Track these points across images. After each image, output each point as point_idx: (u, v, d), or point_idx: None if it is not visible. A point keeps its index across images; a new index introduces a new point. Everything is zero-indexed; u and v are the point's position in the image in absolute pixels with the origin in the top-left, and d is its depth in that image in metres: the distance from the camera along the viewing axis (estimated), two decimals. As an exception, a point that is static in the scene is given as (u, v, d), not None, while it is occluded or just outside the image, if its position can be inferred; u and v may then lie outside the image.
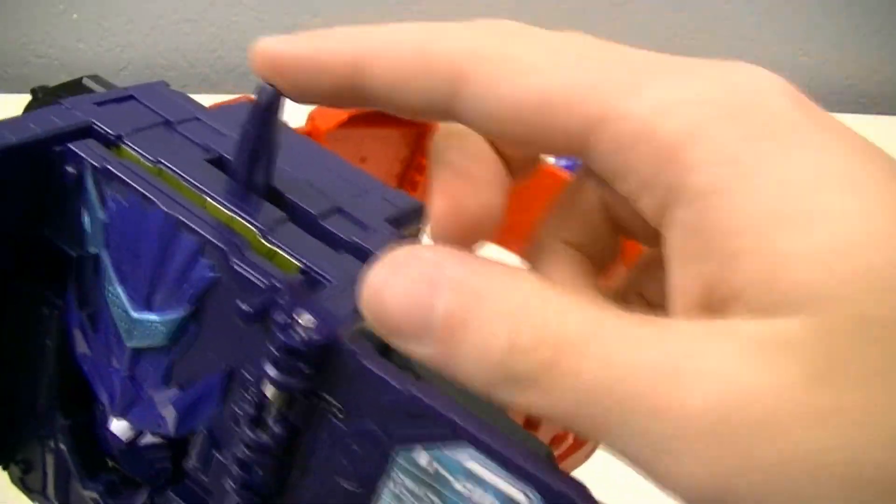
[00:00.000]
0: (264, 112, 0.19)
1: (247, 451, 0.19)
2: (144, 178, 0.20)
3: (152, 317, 0.20)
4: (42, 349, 0.23)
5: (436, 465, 0.17)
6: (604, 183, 0.17)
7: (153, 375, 0.21)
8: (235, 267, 0.18)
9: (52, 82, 0.30)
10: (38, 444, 0.24)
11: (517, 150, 0.20)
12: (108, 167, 0.20)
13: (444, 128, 0.20)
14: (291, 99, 0.19)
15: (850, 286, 0.13)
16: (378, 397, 0.17)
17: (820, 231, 0.14)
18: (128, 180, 0.20)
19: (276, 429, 0.18)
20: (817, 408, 0.12)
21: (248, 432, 0.18)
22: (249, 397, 0.18)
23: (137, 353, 0.21)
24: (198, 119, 0.23)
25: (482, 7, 0.84)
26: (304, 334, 0.17)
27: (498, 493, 0.16)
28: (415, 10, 0.90)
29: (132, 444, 0.21)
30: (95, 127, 0.21)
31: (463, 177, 0.19)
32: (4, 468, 0.26)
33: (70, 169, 0.20)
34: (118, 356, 0.21)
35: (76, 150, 0.20)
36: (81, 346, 0.22)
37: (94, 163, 0.20)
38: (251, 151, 0.20)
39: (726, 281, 0.15)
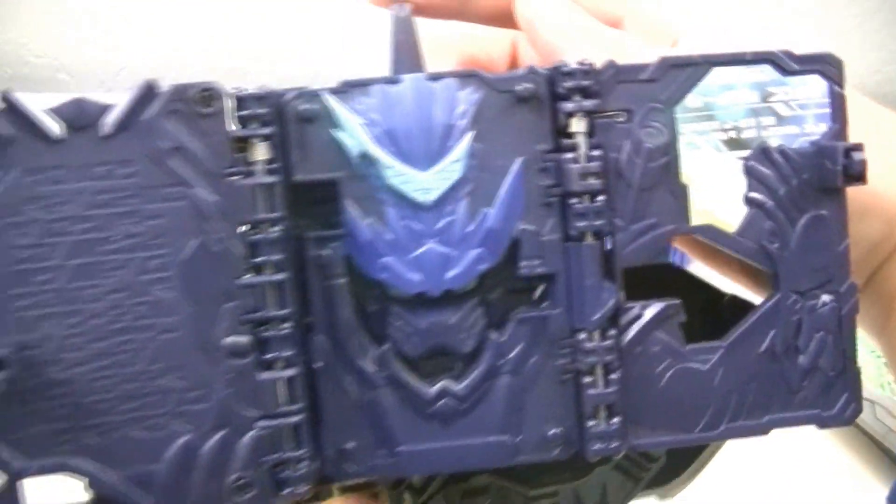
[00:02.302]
0: (403, 21, 0.26)
1: (581, 181, 0.24)
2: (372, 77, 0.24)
3: (442, 162, 0.23)
4: (336, 302, 0.24)
5: (701, 98, 0.25)
6: None
7: (459, 220, 0.23)
8: (491, 77, 0.24)
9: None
10: (358, 418, 0.24)
11: None
12: (344, 82, 0.24)
13: None
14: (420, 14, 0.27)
15: None
16: (640, 86, 0.24)
17: None
18: (365, 79, 0.24)
19: (592, 152, 0.24)
20: None
21: (574, 167, 0.24)
22: (550, 155, 0.24)
23: (438, 209, 0.23)
24: None
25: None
26: (577, 64, 0.24)
27: (749, 84, 0.25)
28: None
29: (445, 326, 0.24)
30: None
31: None
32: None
33: (306, 106, 0.23)
34: (419, 232, 0.23)
35: (307, 90, 0.24)
36: (376, 254, 0.23)
37: (328, 90, 0.24)
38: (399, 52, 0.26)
39: None
